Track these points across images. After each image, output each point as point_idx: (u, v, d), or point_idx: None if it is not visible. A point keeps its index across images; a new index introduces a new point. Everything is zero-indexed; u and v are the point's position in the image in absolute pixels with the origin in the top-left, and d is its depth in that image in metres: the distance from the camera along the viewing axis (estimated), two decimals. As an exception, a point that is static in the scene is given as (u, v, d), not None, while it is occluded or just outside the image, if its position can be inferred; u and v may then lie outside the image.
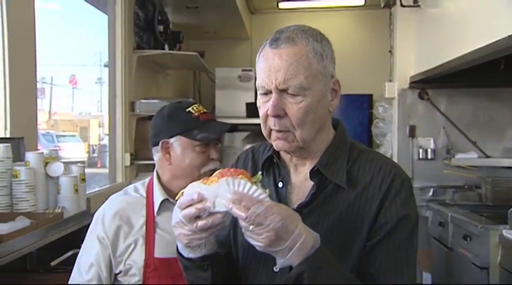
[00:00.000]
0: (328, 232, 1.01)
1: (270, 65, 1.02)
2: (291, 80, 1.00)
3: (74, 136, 12.74)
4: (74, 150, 11.09)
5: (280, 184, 1.12)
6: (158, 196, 1.50)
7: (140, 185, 1.56)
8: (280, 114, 1.02)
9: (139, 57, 3.43)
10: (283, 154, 1.14)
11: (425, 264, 3.41)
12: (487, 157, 3.57)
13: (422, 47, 3.51)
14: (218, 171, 0.96)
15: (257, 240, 0.89)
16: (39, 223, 1.57)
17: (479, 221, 2.70)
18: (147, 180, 1.57)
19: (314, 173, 1.06)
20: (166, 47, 3.73)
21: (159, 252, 1.42)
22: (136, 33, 3.45)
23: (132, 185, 1.57)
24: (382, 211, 1.03)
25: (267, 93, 1.04)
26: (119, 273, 1.44)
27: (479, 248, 2.59)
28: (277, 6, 5.03)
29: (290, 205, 1.06)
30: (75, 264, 1.47)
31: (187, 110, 1.49)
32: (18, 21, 2.03)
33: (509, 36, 2.05)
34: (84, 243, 1.49)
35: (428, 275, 3.53)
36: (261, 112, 1.06)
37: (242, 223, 0.89)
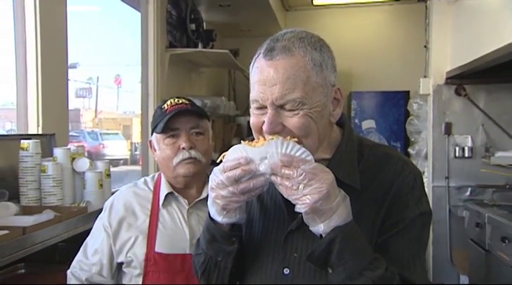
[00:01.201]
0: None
1: (264, 79, 0.94)
2: (288, 95, 0.93)
3: (117, 134, 13.15)
4: (116, 148, 11.46)
5: None
6: (164, 190, 1.52)
7: (150, 179, 1.59)
8: (277, 130, 0.95)
9: (172, 55, 3.48)
10: None
11: (462, 266, 3.29)
12: (530, 155, 3.40)
13: (459, 41, 3.38)
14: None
15: (308, 196, 0.87)
16: (63, 216, 1.62)
17: (518, 223, 2.57)
18: (157, 174, 1.60)
19: None
20: (199, 45, 3.78)
21: (159, 247, 1.44)
22: (169, 31, 3.50)
23: (143, 178, 1.61)
24: (395, 208, 0.99)
25: (262, 107, 0.97)
26: (122, 264, 1.46)
27: (518, 251, 2.46)
28: (312, 2, 4.98)
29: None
30: (83, 244, 1.52)
31: (162, 106, 1.51)
32: (50, 20, 2.11)
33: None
34: (93, 227, 1.53)
35: (465, 277, 3.40)
36: (253, 122, 1.00)
37: (289, 184, 0.88)
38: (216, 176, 0.95)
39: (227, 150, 0.96)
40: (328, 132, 1.03)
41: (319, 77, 0.96)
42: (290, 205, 1.02)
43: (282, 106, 0.95)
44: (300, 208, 0.89)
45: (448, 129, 3.54)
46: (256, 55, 0.99)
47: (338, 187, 0.91)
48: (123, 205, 1.51)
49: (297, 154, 0.89)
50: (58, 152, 1.86)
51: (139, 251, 1.43)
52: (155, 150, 1.53)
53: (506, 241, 2.60)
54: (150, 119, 3.26)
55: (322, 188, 0.87)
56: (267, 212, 1.09)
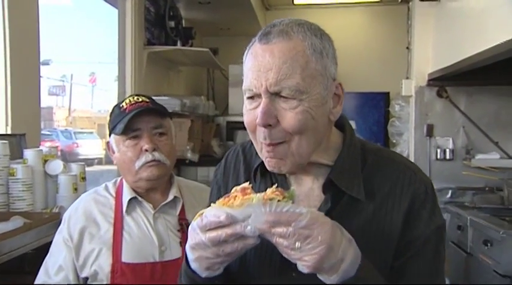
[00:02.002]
0: None
1: (259, 64, 0.85)
2: (284, 81, 0.83)
3: (91, 133, 12.88)
4: (91, 147, 11.21)
5: None
6: (126, 195, 1.42)
7: (111, 184, 1.49)
8: (271, 122, 0.85)
9: (150, 53, 3.37)
10: None
11: (443, 269, 3.28)
12: (510, 158, 3.43)
13: (441, 42, 3.38)
14: (240, 187, 0.83)
15: (308, 257, 0.76)
16: (33, 223, 1.51)
17: (501, 226, 2.56)
18: (118, 179, 1.50)
19: (327, 186, 0.92)
20: (178, 43, 3.68)
21: (126, 257, 1.34)
22: (147, 28, 3.39)
23: (104, 184, 1.50)
24: (408, 226, 0.91)
25: (255, 97, 0.87)
26: (87, 279, 1.36)
27: (501, 255, 2.45)
28: (292, 1, 4.93)
29: None
30: (43, 265, 1.40)
31: (120, 104, 1.41)
32: (20, 16, 1.99)
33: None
34: (52, 243, 1.42)
35: (447, 280, 3.40)
36: (247, 121, 0.90)
37: (285, 243, 0.76)
38: (196, 233, 0.81)
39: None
40: (327, 132, 0.93)
41: (319, 64, 0.86)
42: None
43: (277, 94, 0.85)
44: (301, 268, 0.78)
45: (430, 131, 3.53)
46: (250, 44, 0.91)
47: (339, 228, 0.80)
48: (83, 214, 1.40)
49: (284, 209, 0.77)
50: (28, 154, 1.75)
51: (104, 263, 1.32)
52: (113, 152, 1.43)
53: (488, 244, 2.59)
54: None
55: (321, 248, 0.76)
56: None
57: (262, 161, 0.97)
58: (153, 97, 3.21)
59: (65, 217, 1.43)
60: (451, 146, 3.50)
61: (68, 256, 1.35)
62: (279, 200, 0.79)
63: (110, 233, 1.36)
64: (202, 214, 0.82)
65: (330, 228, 0.77)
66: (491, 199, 3.22)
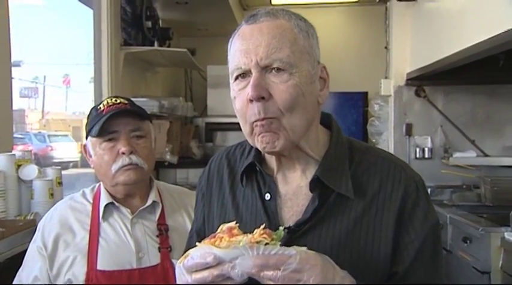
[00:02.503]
0: (334, 251, 0.85)
1: (247, 42, 0.86)
2: (275, 54, 0.84)
3: (66, 135, 12.62)
4: (65, 150, 10.97)
5: (267, 196, 0.93)
6: (103, 200, 1.37)
7: (89, 191, 1.44)
8: (264, 94, 0.84)
9: (127, 53, 3.30)
10: (268, 159, 0.96)
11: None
12: (486, 156, 3.48)
13: (419, 42, 3.41)
14: (226, 226, 0.81)
15: None
16: (7, 231, 1.45)
17: (479, 223, 2.59)
18: (97, 185, 1.45)
19: (314, 184, 0.89)
20: (155, 43, 3.62)
21: (102, 265, 1.29)
22: (123, 29, 3.32)
23: (81, 190, 1.45)
24: (403, 226, 0.88)
25: (244, 75, 0.87)
26: None
27: (480, 252, 2.48)
28: (270, 2, 4.91)
29: (282, 222, 0.91)
30: (16, 278, 1.34)
31: (98, 106, 1.37)
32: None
33: (508, 30, 1.96)
34: (26, 254, 1.36)
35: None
36: (238, 103, 0.88)
37: None
38: (183, 274, 0.79)
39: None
40: (315, 115, 0.92)
41: (306, 42, 0.88)
42: (273, 218, 0.91)
43: (267, 68, 0.85)
44: None
45: (409, 130, 3.56)
46: (236, 30, 0.91)
47: (331, 265, 0.78)
48: (58, 221, 1.35)
49: (273, 252, 0.75)
50: (0, 159, 1.67)
51: (78, 271, 1.27)
52: (90, 156, 1.38)
53: (468, 242, 2.62)
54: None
55: None
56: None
57: (248, 164, 0.96)
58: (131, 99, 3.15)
59: (40, 225, 1.37)
60: (429, 145, 3.53)
61: (43, 266, 1.30)
62: (266, 243, 0.76)
63: (85, 241, 1.31)
64: (188, 255, 0.79)
65: (320, 270, 0.75)
66: (469, 197, 3.26)
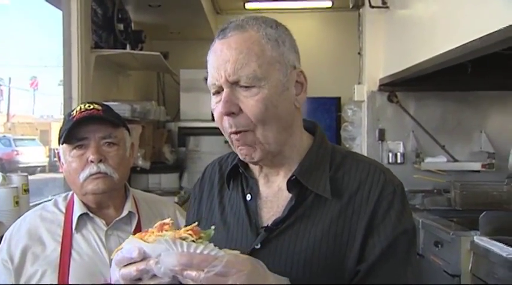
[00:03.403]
0: (309, 250, 0.87)
1: (217, 58, 0.90)
2: (241, 70, 0.87)
3: (33, 139, 12.27)
4: (33, 154, 10.66)
5: (248, 197, 0.97)
6: (77, 211, 1.32)
7: (62, 199, 1.38)
8: (233, 110, 0.88)
9: (98, 56, 3.22)
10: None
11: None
12: (456, 161, 3.55)
13: (392, 49, 3.46)
14: (159, 222, 0.79)
15: None
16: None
17: (449, 227, 2.64)
18: (70, 193, 1.39)
19: (292, 184, 0.92)
20: (127, 46, 3.56)
21: (74, 279, 1.23)
22: (94, 31, 3.25)
23: (53, 199, 1.40)
24: (374, 227, 0.88)
25: (219, 90, 0.90)
26: None
27: (451, 255, 2.52)
28: (244, 6, 4.91)
29: (262, 221, 0.94)
30: None
31: (71, 112, 1.33)
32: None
33: (475, 39, 2.01)
34: None
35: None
36: (216, 116, 0.92)
37: None
38: (113, 269, 0.79)
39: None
40: (293, 120, 0.94)
41: (275, 52, 0.90)
42: (254, 217, 0.93)
43: (237, 84, 0.88)
44: None
45: (382, 135, 3.60)
46: (211, 46, 0.94)
47: (261, 271, 0.76)
48: (27, 232, 1.28)
49: (198, 250, 0.72)
50: (-38, 165, 1.60)
51: None
52: (62, 164, 1.33)
53: (439, 246, 2.66)
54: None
55: None
56: (230, 229, 0.97)
57: (232, 168, 1.00)
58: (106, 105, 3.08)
59: (6, 236, 1.30)
60: (401, 150, 3.57)
61: (7, 280, 1.23)
62: (193, 241, 0.74)
63: (56, 253, 1.25)
64: (120, 248, 0.78)
65: (247, 277, 0.72)
66: (440, 201, 3.32)
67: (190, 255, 0.71)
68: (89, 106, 1.32)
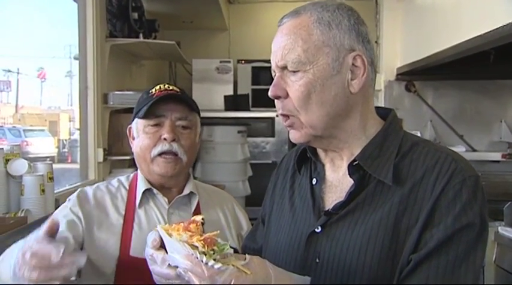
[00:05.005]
0: (365, 237, 0.85)
1: (274, 44, 0.93)
2: (288, 55, 0.89)
3: (42, 130, 12.30)
4: (42, 145, 10.70)
5: (314, 181, 0.98)
6: (141, 187, 1.33)
7: (125, 178, 1.40)
8: (280, 94, 0.91)
9: (113, 45, 3.20)
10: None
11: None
12: (474, 150, 3.51)
13: (410, 37, 3.41)
14: (193, 218, 0.84)
15: None
16: (-2, 230, 1.36)
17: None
18: (132, 174, 1.41)
19: (354, 169, 0.90)
20: (141, 35, 3.52)
21: (135, 252, 1.24)
22: (109, 20, 3.22)
23: (116, 179, 1.41)
24: (435, 217, 0.82)
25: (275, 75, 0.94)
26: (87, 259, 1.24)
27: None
28: (257, -6, 4.86)
29: (325, 206, 0.94)
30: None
31: (150, 90, 1.34)
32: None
33: (503, 26, 1.95)
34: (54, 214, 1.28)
35: None
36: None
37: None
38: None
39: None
40: (346, 105, 0.90)
41: (324, 36, 0.89)
42: (318, 201, 0.94)
43: (286, 69, 0.90)
44: None
45: (399, 125, 3.56)
46: None
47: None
48: (95, 199, 1.30)
49: (203, 260, 0.75)
50: (-13, 153, 1.58)
51: (110, 255, 1.22)
52: (133, 138, 1.34)
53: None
54: (90, 114, 3.00)
55: None
56: (296, 212, 0.98)
57: (302, 151, 1.02)
58: (116, 92, 3.05)
59: (74, 196, 1.31)
60: (419, 140, 3.53)
61: (78, 225, 1.24)
62: (203, 252, 0.75)
63: (119, 225, 1.26)
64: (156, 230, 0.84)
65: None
66: (458, 192, 3.28)
67: (197, 262, 0.74)
68: (168, 87, 1.33)
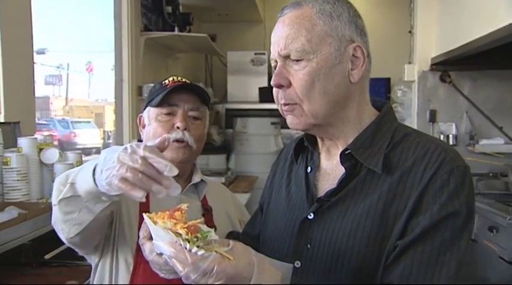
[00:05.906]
0: (354, 224, 0.88)
1: (274, 34, 0.95)
2: (292, 44, 0.90)
3: (89, 122, 12.82)
4: (89, 136, 11.15)
5: (309, 169, 1.01)
6: None
7: None
8: (283, 83, 0.91)
9: (147, 39, 3.30)
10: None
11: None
12: (514, 143, 3.37)
13: (445, 26, 3.31)
14: (179, 206, 0.85)
15: None
16: (29, 213, 1.46)
17: (506, 212, 2.52)
18: None
19: (345, 157, 0.92)
20: (176, 29, 3.60)
21: None
22: (143, 14, 3.31)
23: None
24: (423, 204, 0.83)
25: (276, 65, 0.94)
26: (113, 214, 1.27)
27: (507, 241, 2.41)
28: (292, -14, 4.83)
29: (318, 193, 0.96)
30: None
31: (163, 81, 1.37)
32: (12, 4, 1.91)
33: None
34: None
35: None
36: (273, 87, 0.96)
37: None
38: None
39: None
40: (346, 94, 0.93)
41: (327, 26, 0.91)
42: (311, 189, 0.96)
43: (288, 58, 0.91)
44: None
45: (433, 117, 3.48)
46: None
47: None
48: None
49: (186, 247, 0.76)
50: (23, 142, 1.69)
51: (132, 227, 1.26)
52: (144, 127, 1.38)
53: (494, 231, 2.55)
54: (125, 106, 3.11)
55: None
56: (291, 199, 1.02)
57: (300, 140, 1.05)
58: (151, 85, 3.12)
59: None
60: (454, 131, 3.44)
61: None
62: (187, 239, 0.77)
63: (137, 207, 1.28)
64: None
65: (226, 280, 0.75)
66: (496, 185, 3.18)
67: (181, 249, 0.76)
68: (181, 79, 1.37)
